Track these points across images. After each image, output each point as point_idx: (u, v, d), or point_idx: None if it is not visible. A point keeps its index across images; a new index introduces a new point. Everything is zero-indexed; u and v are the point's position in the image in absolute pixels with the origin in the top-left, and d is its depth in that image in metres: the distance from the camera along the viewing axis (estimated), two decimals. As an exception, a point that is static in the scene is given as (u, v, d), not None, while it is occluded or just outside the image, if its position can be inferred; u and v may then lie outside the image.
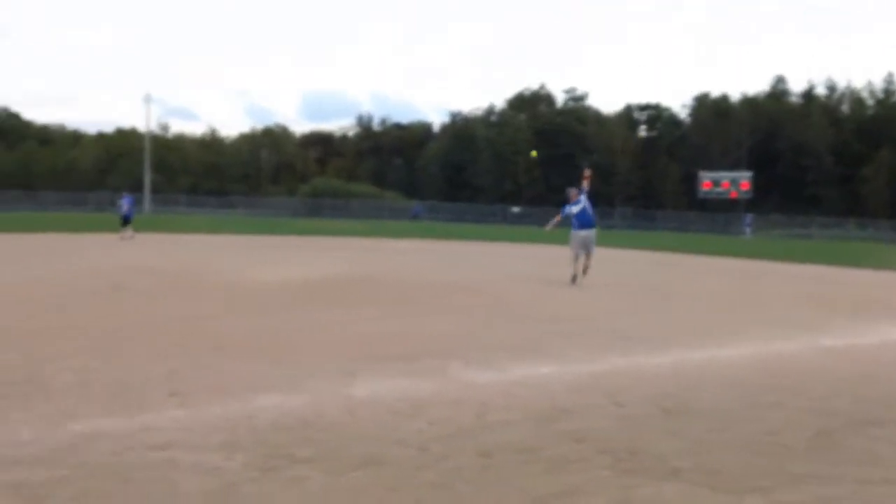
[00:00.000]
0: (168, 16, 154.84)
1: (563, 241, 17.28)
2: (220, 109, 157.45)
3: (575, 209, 15.96)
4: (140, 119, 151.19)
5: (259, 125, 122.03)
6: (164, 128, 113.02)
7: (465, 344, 8.56)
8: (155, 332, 8.76)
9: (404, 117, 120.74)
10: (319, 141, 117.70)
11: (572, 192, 16.30)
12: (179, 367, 6.87)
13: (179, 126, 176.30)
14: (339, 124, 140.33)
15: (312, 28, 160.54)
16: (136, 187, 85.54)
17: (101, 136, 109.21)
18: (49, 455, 4.47)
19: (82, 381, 6.26)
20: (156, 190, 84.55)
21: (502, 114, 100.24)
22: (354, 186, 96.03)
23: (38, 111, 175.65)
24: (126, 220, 31.32)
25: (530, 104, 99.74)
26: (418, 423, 5.37)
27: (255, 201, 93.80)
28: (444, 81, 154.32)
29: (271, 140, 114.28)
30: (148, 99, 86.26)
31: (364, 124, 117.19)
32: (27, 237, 30.49)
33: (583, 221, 15.90)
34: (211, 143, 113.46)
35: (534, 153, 62.43)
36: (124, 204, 32.16)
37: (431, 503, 3.99)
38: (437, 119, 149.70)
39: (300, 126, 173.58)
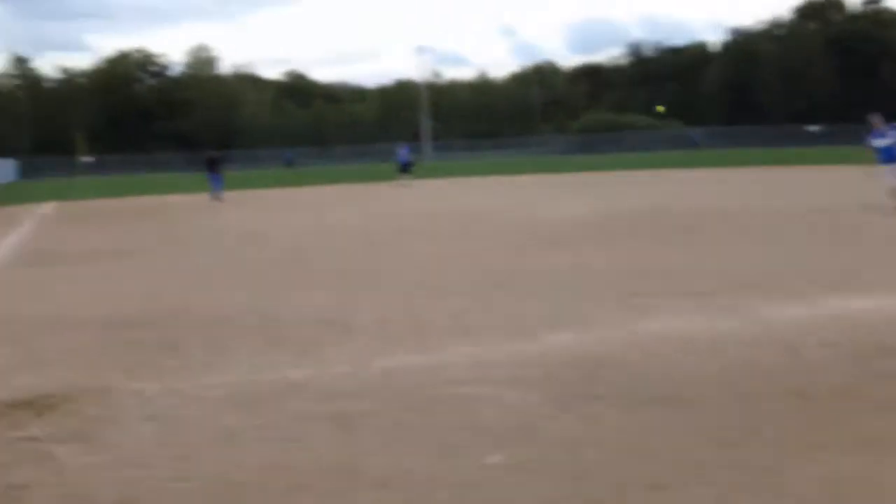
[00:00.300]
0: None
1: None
2: (488, 52, 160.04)
3: (882, 142, 14.27)
4: (415, 70, 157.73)
5: (527, 63, 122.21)
6: (438, 75, 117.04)
7: (767, 277, 8.05)
8: (443, 272, 9.18)
9: (677, 40, 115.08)
10: (589, 74, 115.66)
11: (875, 119, 14.61)
12: (471, 306, 7.13)
13: (452, 73, 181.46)
14: (609, 54, 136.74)
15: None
16: (415, 136, 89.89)
17: (381, 90, 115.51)
18: (360, 389, 4.83)
19: (384, 320, 6.70)
20: (433, 137, 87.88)
21: (789, 25, 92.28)
22: (628, 118, 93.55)
23: (323, 71, 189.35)
24: (405, 168, 32.88)
25: (819, 11, 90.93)
26: (718, 362, 5.12)
27: (527, 141, 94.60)
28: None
29: (540, 77, 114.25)
30: (420, 50, 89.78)
31: (635, 52, 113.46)
32: (322, 189, 33.22)
33: (888, 156, 14.19)
34: (482, 87, 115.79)
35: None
36: (402, 153, 33.93)
37: (743, 446, 3.72)
38: (713, 38, 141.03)
39: (568, 61, 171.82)
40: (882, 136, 14.35)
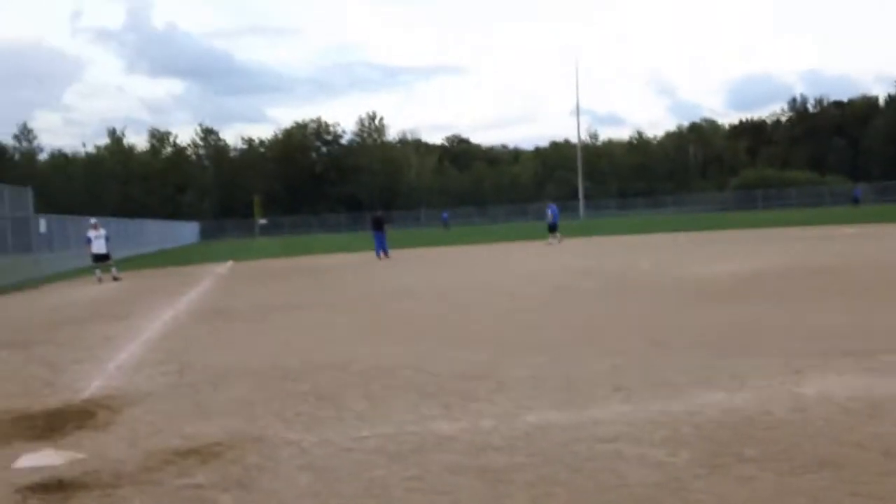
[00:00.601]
0: (588, 30, 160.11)
1: None
2: (645, 111, 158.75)
3: None
4: (571, 131, 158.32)
5: (685, 121, 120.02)
6: (594, 136, 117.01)
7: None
8: (594, 329, 9.09)
9: (842, 94, 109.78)
10: (749, 130, 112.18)
11: None
12: (623, 363, 7.02)
13: (608, 132, 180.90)
14: (770, 110, 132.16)
15: (732, 17, 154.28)
16: (570, 195, 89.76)
17: (538, 151, 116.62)
18: (508, 443, 4.83)
19: (535, 376, 6.70)
20: (587, 196, 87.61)
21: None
22: (789, 174, 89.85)
23: (483, 134, 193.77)
24: (552, 228, 33.51)
25: None
26: (880, 426, 4.80)
27: (683, 198, 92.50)
28: (888, 48, 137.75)
29: (698, 135, 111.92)
30: (577, 111, 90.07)
31: (797, 107, 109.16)
32: (480, 247, 33.73)
33: None
34: (638, 145, 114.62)
35: None
36: (549, 213, 34.33)
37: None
38: (881, 91, 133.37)
39: (727, 117, 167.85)
40: None
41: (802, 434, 4.70)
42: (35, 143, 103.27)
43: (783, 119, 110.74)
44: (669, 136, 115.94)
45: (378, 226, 29.81)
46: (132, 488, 4.36)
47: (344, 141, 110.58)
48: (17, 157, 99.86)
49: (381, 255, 28.65)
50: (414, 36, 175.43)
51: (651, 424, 5.04)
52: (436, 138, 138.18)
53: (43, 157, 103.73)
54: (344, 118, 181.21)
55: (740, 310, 10.23)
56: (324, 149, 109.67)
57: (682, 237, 32.40)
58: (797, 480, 3.96)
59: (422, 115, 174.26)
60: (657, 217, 69.37)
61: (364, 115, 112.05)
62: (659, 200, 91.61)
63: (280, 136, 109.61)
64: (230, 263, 31.54)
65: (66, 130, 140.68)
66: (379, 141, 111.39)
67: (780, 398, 5.53)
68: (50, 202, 65.32)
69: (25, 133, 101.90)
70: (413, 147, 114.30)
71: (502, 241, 38.00)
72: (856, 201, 66.21)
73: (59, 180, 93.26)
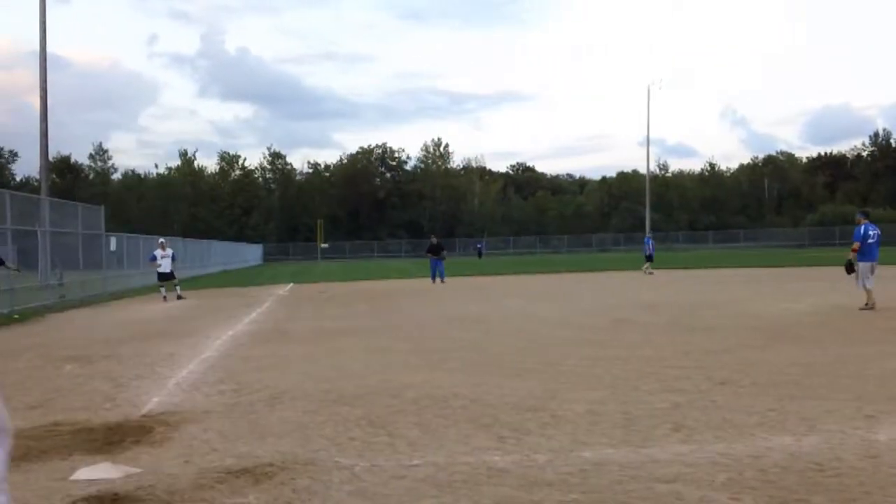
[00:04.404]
0: (660, 58, 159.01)
1: None
2: (718, 143, 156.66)
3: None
4: (639, 161, 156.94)
5: (759, 154, 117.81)
6: (664, 167, 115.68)
7: None
8: (660, 365, 8.88)
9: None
10: (827, 164, 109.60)
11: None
12: (684, 402, 6.83)
13: (678, 164, 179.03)
14: (849, 145, 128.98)
15: (809, 48, 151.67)
16: (636, 227, 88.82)
17: (604, 181, 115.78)
18: (561, 479, 4.71)
19: (592, 412, 6.55)
20: (654, 228, 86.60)
21: None
22: (869, 211, 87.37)
23: (548, 163, 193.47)
24: (649, 258, 34.58)
25: None
26: (958, 476, 4.55)
27: (756, 233, 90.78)
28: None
29: (773, 168, 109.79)
30: (647, 141, 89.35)
31: (879, 142, 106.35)
32: (542, 277, 33.55)
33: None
34: (709, 178, 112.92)
35: None
36: (648, 244, 35.83)
37: None
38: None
39: (804, 151, 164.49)
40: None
41: (873, 483, 4.47)
42: (110, 163, 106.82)
43: (864, 154, 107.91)
44: (743, 169, 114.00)
45: (435, 252, 30.17)
46: (184, 505, 4.38)
47: (408, 167, 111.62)
48: (91, 176, 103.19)
49: (437, 280, 28.89)
50: (482, 63, 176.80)
51: (713, 466, 4.87)
52: (500, 166, 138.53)
53: (116, 176, 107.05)
54: (409, 144, 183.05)
55: (812, 350, 9.90)
56: (388, 174, 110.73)
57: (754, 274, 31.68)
58: (867, 533, 3.76)
59: (487, 143, 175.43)
60: (729, 251, 68.02)
61: (429, 142, 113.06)
62: (730, 235, 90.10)
63: (345, 160, 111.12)
64: (291, 286, 31.92)
65: (139, 151, 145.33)
66: (443, 167, 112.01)
67: (850, 444, 5.29)
68: (121, 221, 67.38)
69: (101, 153, 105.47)
70: (477, 174, 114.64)
71: (570, 272, 37.73)
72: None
73: (130, 200, 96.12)
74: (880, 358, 9.08)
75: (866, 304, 14.39)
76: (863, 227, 14.98)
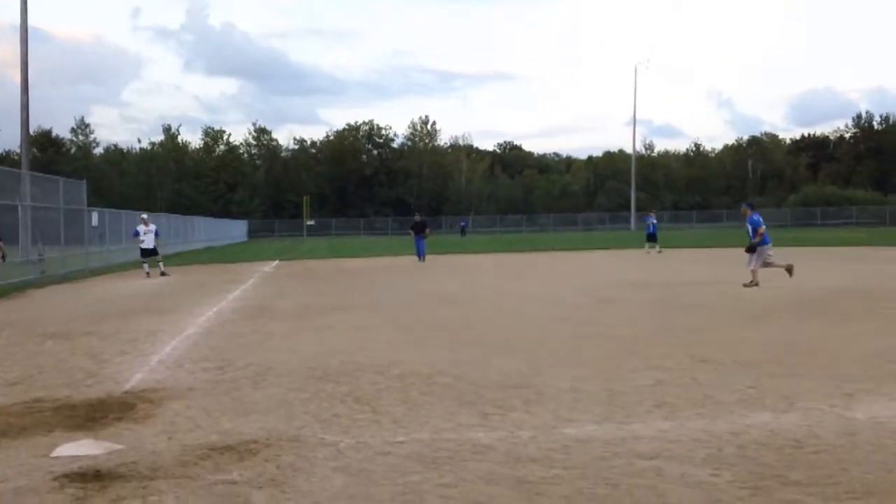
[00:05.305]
0: (647, 40, 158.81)
1: None
2: (703, 124, 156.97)
3: None
4: (625, 141, 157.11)
5: (744, 135, 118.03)
6: (649, 147, 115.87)
7: None
8: (642, 343, 8.93)
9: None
10: (811, 146, 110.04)
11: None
12: (666, 379, 6.89)
13: (664, 144, 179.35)
14: (832, 127, 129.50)
15: (794, 31, 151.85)
16: (622, 206, 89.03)
17: (590, 161, 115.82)
18: (546, 455, 4.75)
19: (576, 389, 6.59)
20: (640, 207, 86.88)
21: None
22: (851, 192, 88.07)
23: (535, 142, 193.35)
24: (650, 238, 33.93)
25: None
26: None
27: (740, 213, 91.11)
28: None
29: (757, 149, 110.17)
30: (633, 121, 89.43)
31: (861, 124, 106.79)
32: (526, 255, 33.62)
33: None
34: (694, 158, 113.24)
35: None
36: (649, 223, 35.02)
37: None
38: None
39: (788, 132, 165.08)
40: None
41: (850, 459, 4.54)
42: (92, 137, 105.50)
43: (847, 136, 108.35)
44: (728, 150, 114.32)
45: (418, 230, 30.14)
46: (167, 481, 4.38)
47: (395, 144, 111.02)
48: (73, 150, 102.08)
49: (419, 258, 28.97)
50: (469, 41, 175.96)
51: (693, 443, 4.92)
52: (487, 144, 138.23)
53: (98, 151, 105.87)
54: (396, 122, 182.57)
55: (792, 329, 10.00)
56: (374, 151, 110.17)
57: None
58: (843, 508, 3.82)
59: (474, 121, 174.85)
60: (712, 231, 68.37)
61: (416, 119, 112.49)
62: (714, 214, 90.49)
63: (332, 137, 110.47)
64: (276, 263, 31.83)
65: (123, 127, 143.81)
66: (430, 145, 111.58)
67: (828, 421, 5.36)
68: (103, 196, 66.84)
69: (82, 127, 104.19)
70: (464, 152, 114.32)
71: (550, 251, 37.82)
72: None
73: (113, 175, 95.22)
74: (859, 337, 9.17)
75: (751, 282, 15.74)
76: (756, 216, 16.54)
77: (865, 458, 4.55)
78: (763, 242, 16.07)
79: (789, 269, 16.05)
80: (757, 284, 15.55)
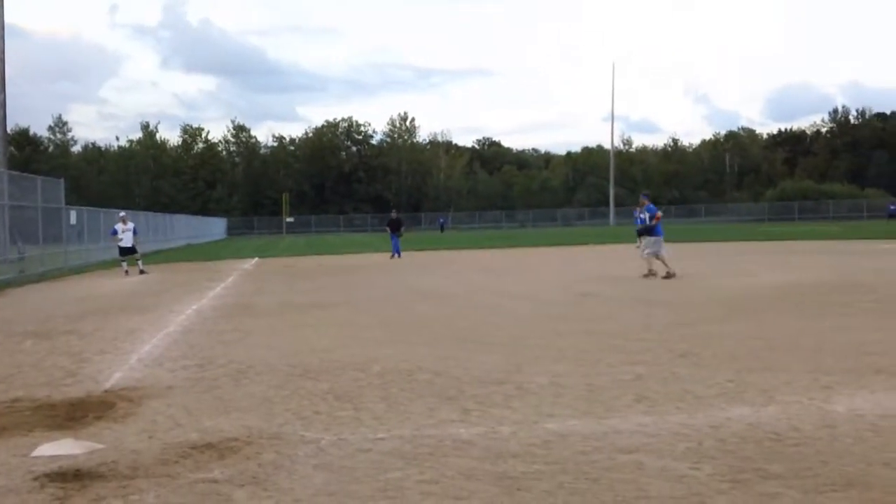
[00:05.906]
0: (624, 35, 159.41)
1: None
2: (681, 119, 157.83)
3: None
4: (604, 137, 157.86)
5: (721, 130, 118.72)
6: (627, 143, 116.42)
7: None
8: (620, 338, 8.98)
9: (885, 106, 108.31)
10: (788, 141, 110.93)
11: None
12: (646, 373, 6.93)
13: (642, 139, 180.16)
14: (809, 121, 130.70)
15: (771, 26, 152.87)
16: (601, 202, 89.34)
17: (569, 156, 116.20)
18: (526, 450, 4.77)
19: (556, 384, 6.62)
20: (619, 203, 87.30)
21: None
22: (828, 186, 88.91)
23: (514, 138, 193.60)
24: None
25: None
26: (908, 445, 4.68)
27: (717, 208, 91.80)
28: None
29: (734, 144, 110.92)
30: (612, 116, 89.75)
31: (838, 119, 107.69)
32: (505, 251, 33.66)
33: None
34: (672, 153, 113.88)
35: None
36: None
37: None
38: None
39: (765, 127, 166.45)
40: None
41: (830, 452, 4.59)
42: (69, 135, 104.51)
43: (823, 130, 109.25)
44: (705, 145, 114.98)
45: (394, 227, 30.25)
46: (148, 480, 4.36)
47: (374, 141, 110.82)
48: (51, 148, 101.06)
49: (395, 256, 29.05)
50: (448, 38, 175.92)
51: (673, 437, 4.95)
52: (466, 141, 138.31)
53: (76, 149, 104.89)
54: (375, 118, 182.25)
55: (771, 323, 10.07)
56: (353, 148, 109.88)
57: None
58: (822, 499, 3.86)
59: (453, 118, 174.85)
60: (690, 226, 68.79)
61: (395, 116, 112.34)
62: (692, 209, 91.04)
63: (310, 134, 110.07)
64: (256, 260, 31.70)
65: (100, 124, 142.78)
66: (409, 142, 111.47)
67: (808, 414, 5.42)
68: (82, 195, 66.21)
69: (60, 125, 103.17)
70: (443, 148, 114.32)
71: (530, 246, 37.92)
72: (892, 216, 65.26)
73: (91, 173, 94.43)
74: (837, 331, 9.27)
75: (650, 272, 16.88)
76: (652, 205, 18.01)
77: (845, 451, 4.59)
78: (657, 232, 17.03)
79: (670, 275, 16.52)
80: (654, 274, 16.61)
